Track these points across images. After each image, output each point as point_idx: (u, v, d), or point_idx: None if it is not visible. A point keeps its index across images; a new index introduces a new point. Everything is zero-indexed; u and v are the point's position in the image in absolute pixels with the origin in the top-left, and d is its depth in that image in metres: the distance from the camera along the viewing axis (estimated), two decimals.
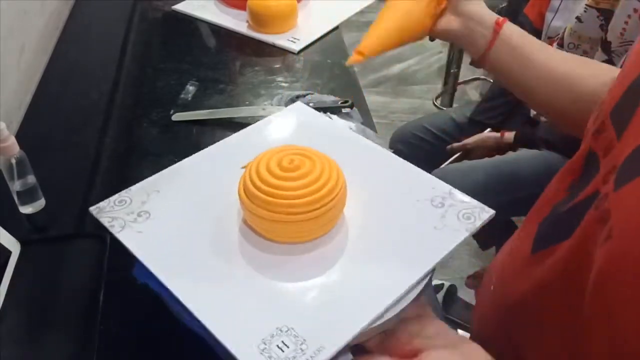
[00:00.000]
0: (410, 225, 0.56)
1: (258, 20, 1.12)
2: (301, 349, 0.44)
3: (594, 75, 0.63)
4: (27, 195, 0.71)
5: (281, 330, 0.45)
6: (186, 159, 0.64)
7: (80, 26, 1.19)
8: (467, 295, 1.52)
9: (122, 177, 0.81)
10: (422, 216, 0.56)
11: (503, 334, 0.52)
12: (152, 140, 0.87)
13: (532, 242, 0.52)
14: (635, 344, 0.38)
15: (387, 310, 0.47)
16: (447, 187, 0.60)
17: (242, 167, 0.56)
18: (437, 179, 0.61)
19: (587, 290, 0.41)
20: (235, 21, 1.17)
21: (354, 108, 0.89)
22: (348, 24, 1.11)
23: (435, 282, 1.55)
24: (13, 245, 0.64)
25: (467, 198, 0.58)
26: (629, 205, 0.39)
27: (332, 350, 0.44)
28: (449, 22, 0.67)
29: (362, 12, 1.24)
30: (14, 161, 0.67)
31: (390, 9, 0.66)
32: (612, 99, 0.46)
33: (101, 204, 0.57)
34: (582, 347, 0.44)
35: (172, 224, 0.56)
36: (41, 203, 0.73)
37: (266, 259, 0.53)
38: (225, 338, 0.45)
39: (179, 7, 1.23)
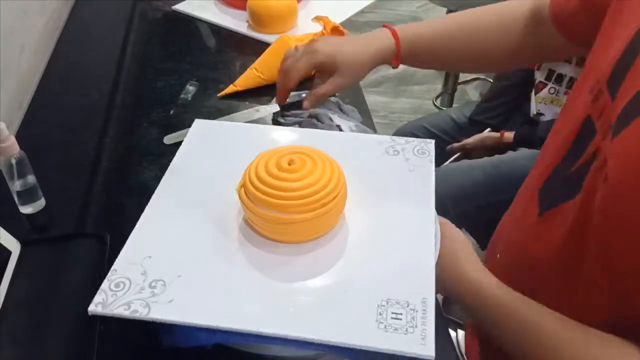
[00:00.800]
0: (392, 178, 0.58)
1: (258, 20, 1.12)
2: (411, 309, 0.46)
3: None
4: (27, 195, 0.71)
5: (383, 305, 0.46)
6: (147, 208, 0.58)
7: (80, 26, 1.19)
8: None
9: (122, 177, 0.81)
10: (394, 168, 0.59)
11: None
12: (152, 140, 0.87)
13: (537, 206, 0.53)
14: (631, 284, 0.39)
15: (436, 242, 0.52)
16: (387, 137, 0.63)
17: (235, 189, 0.55)
18: (374, 135, 0.64)
19: (588, 234, 0.43)
20: (235, 21, 1.17)
21: (354, 108, 0.89)
22: (348, 24, 1.11)
23: None
24: (13, 245, 0.64)
25: (405, 138, 0.62)
26: (624, 147, 0.42)
27: (432, 295, 0.46)
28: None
29: (362, 12, 1.24)
30: (14, 161, 0.67)
31: None
32: (607, 68, 0.48)
33: (97, 299, 0.49)
34: (587, 299, 0.45)
35: (190, 275, 0.51)
36: (41, 203, 0.73)
37: (299, 260, 0.52)
38: (352, 339, 0.44)
39: (179, 7, 1.23)
